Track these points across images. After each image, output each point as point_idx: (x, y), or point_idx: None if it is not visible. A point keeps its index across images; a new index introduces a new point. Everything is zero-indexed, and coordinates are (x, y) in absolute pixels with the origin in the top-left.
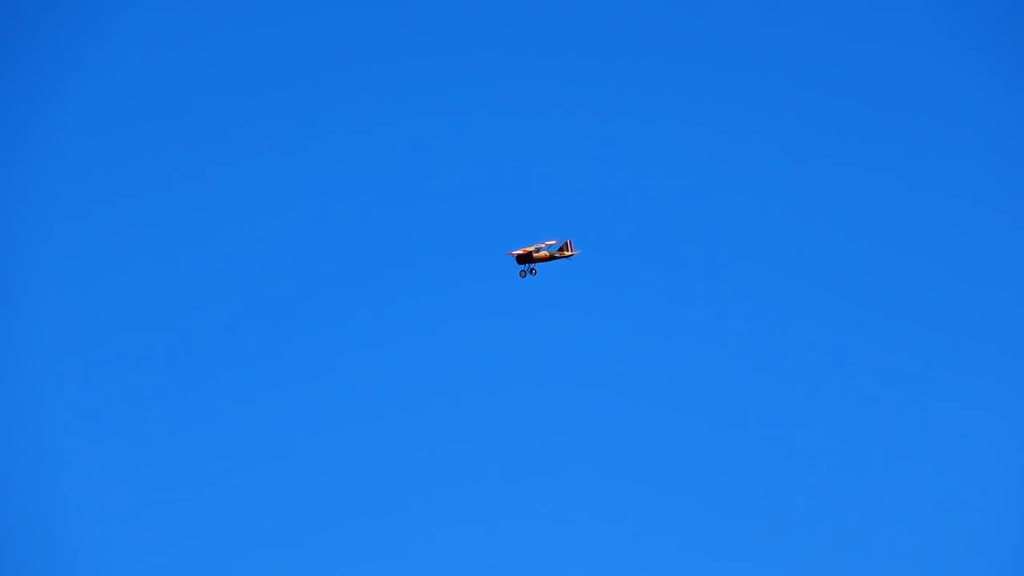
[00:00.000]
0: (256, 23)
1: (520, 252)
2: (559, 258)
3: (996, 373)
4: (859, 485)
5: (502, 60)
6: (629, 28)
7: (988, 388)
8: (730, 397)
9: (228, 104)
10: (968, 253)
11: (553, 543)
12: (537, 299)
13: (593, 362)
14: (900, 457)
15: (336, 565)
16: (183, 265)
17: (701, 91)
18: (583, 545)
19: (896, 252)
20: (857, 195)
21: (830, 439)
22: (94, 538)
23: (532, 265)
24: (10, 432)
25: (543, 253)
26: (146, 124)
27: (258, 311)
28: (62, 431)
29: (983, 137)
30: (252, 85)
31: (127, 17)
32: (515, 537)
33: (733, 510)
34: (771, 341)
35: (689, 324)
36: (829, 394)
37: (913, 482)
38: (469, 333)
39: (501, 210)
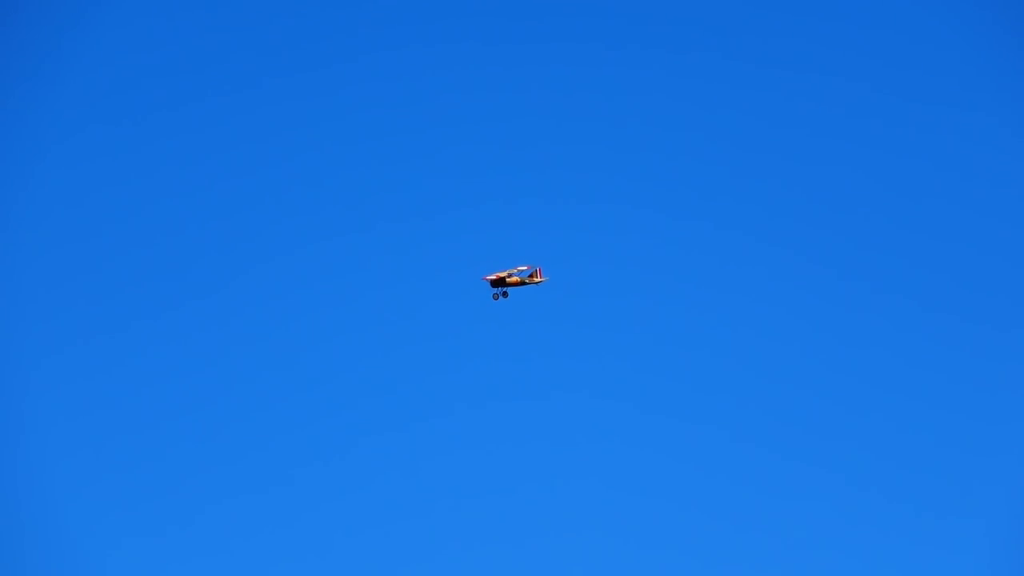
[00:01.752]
0: (246, 19)
1: (494, 277)
2: (529, 284)
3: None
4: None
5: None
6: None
7: (994, 391)
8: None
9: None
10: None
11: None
12: (511, 319)
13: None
14: (901, 461)
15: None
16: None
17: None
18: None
19: (895, 257)
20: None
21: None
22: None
23: (504, 289)
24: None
25: (514, 279)
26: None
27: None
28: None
29: (985, 137)
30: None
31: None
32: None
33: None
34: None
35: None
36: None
37: (919, 486)
38: (447, 348)
39: (478, 237)
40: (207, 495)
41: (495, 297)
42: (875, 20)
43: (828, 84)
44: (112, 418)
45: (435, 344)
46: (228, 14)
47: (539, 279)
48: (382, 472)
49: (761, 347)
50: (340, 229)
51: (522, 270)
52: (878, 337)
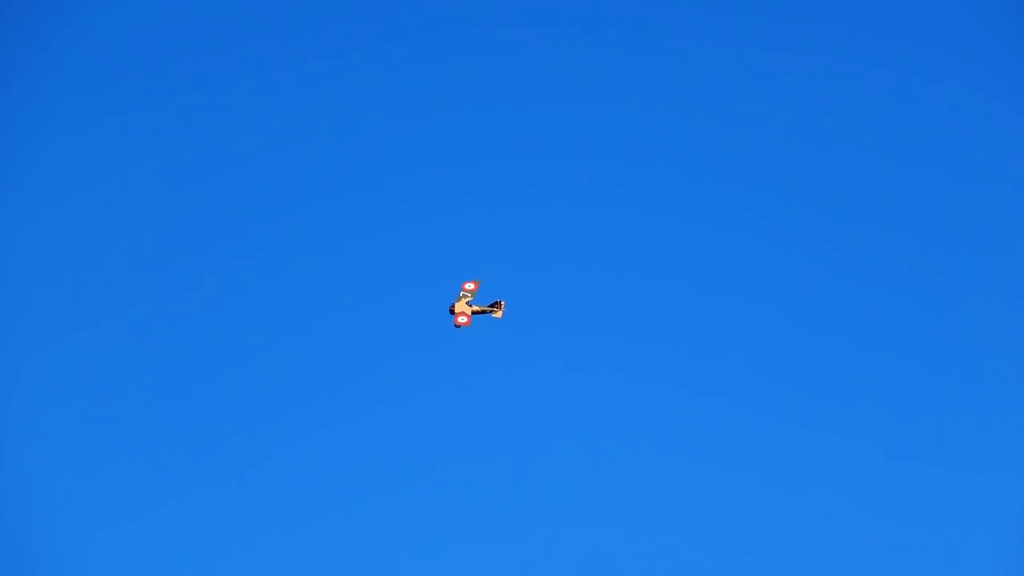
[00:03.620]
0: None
1: (461, 309)
2: (487, 313)
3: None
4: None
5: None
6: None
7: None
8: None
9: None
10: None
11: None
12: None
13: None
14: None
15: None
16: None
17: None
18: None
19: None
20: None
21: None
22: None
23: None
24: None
25: (475, 308)
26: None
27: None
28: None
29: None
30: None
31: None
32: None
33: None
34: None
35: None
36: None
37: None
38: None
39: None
40: (182, 491)
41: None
42: (879, 11)
43: (828, 72)
44: (89, 414)
45: (428, 341)
46: (208, 10)
47: (499, 313)
48: (377, 471)
49: (763, 345)
50: (323, 223)
51: (469, 292)
52: (891, 332)
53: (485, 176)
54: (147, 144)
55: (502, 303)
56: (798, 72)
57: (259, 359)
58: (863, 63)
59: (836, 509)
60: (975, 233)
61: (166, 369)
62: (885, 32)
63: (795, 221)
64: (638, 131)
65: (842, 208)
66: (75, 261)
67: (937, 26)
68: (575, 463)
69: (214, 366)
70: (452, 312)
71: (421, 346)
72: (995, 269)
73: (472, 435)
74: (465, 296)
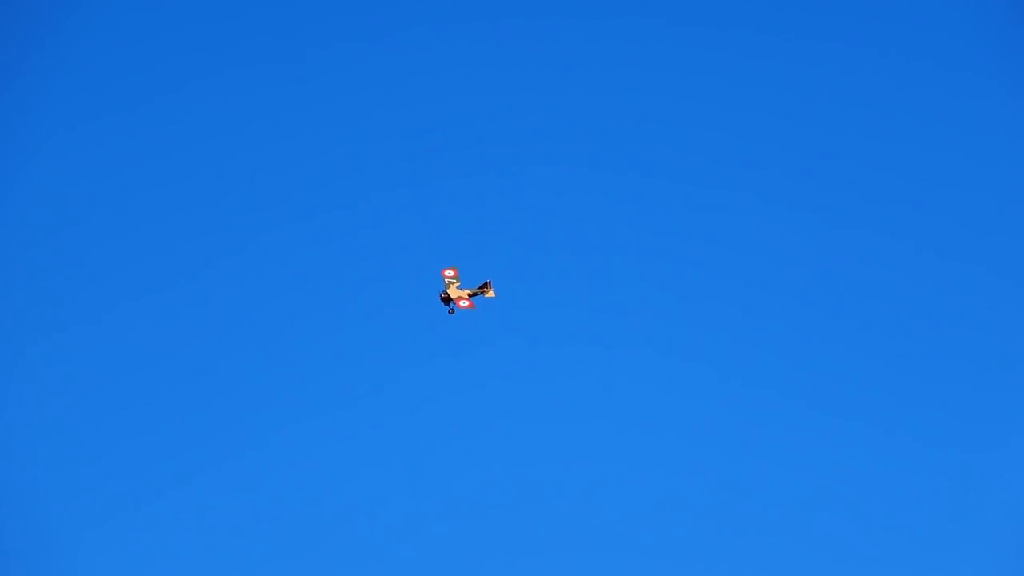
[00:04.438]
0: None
1: (459, 294)
2: (479, 294)
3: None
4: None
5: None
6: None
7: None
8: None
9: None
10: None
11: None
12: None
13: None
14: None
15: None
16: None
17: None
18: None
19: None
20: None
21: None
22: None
23: (453, 305)
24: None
25: (468, 291)
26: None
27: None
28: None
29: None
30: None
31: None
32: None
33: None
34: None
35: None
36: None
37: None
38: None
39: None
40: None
41: (451, 311)
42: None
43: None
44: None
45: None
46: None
47: (490, 293)
48: (374, 465)
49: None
50: (305, 216)
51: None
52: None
53: (477, 168)
54: (129, 143)
55: (490, 282)
56: (796, 62)
57: (249, 353)
58: (861, 50)
59: (832, 496)
60: (982, 222)
61: (159, 364)
62: (889, 18)
63: (797, 210)
64: (630, 120)
65: (841, 199)
66: (66, 258)
67: (944, 16)
68: (572, 452)
69: (207, 360)
70: (447, 300)
71: (416, 334)
72: (1002, 258)
73: (470, 423)
74: (453, 282)
